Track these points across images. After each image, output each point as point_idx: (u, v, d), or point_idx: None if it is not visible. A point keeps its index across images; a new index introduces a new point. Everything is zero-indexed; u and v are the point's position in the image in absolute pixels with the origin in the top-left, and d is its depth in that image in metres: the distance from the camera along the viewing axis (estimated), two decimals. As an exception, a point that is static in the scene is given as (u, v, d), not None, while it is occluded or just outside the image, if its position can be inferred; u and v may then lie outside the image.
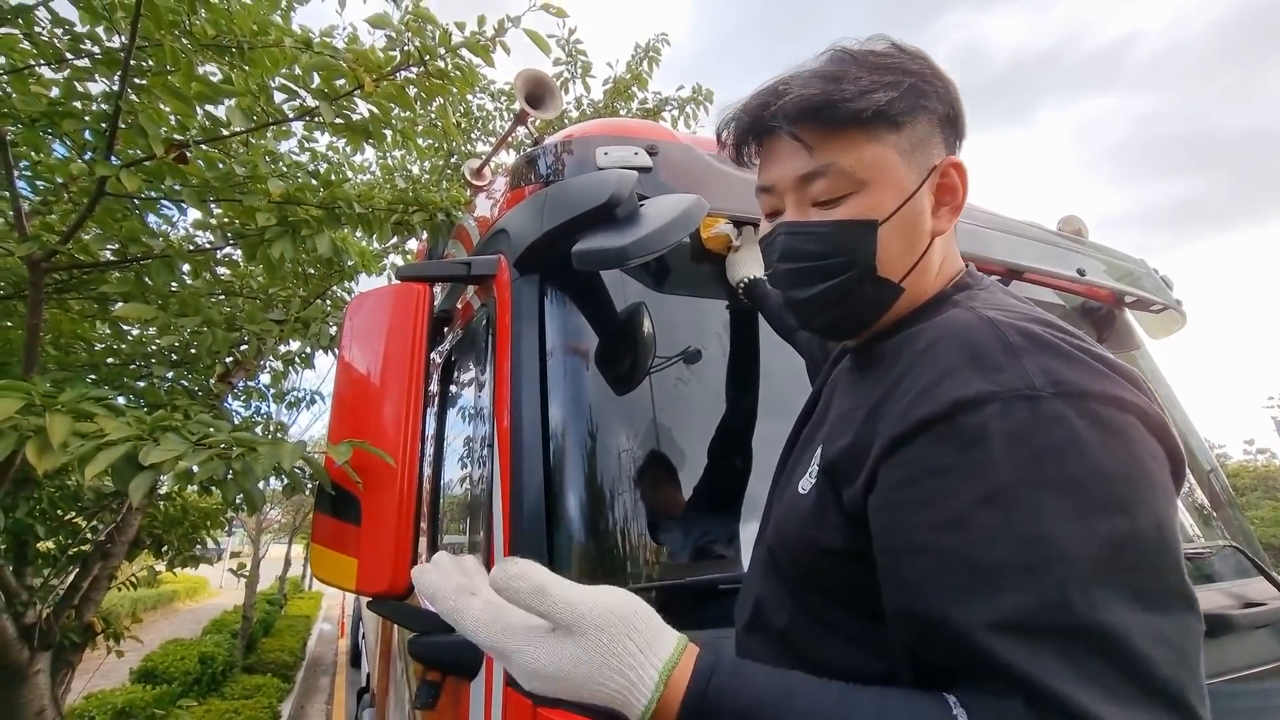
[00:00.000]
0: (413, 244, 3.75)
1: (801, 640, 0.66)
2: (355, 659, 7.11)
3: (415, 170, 4.03)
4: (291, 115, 1.76)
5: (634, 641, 0.50)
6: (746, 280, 1.25)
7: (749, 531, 1.11)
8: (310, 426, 11.48)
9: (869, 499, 0.56)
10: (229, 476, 1.17)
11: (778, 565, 0.70)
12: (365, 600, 1.23)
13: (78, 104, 1.64)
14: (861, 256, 0.64)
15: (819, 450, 0.67)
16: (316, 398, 3.84)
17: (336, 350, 1.58)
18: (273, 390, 3.21)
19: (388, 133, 1.82)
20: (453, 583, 0.57)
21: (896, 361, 0.60)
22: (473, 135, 4.31)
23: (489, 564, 1.08)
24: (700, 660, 0.51)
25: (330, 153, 3.16)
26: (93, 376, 2.26)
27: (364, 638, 5.18)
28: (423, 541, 1.65)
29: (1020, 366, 0.51)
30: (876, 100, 0.61)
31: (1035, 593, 0.44)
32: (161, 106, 1.67)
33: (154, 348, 2.42)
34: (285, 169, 2.12)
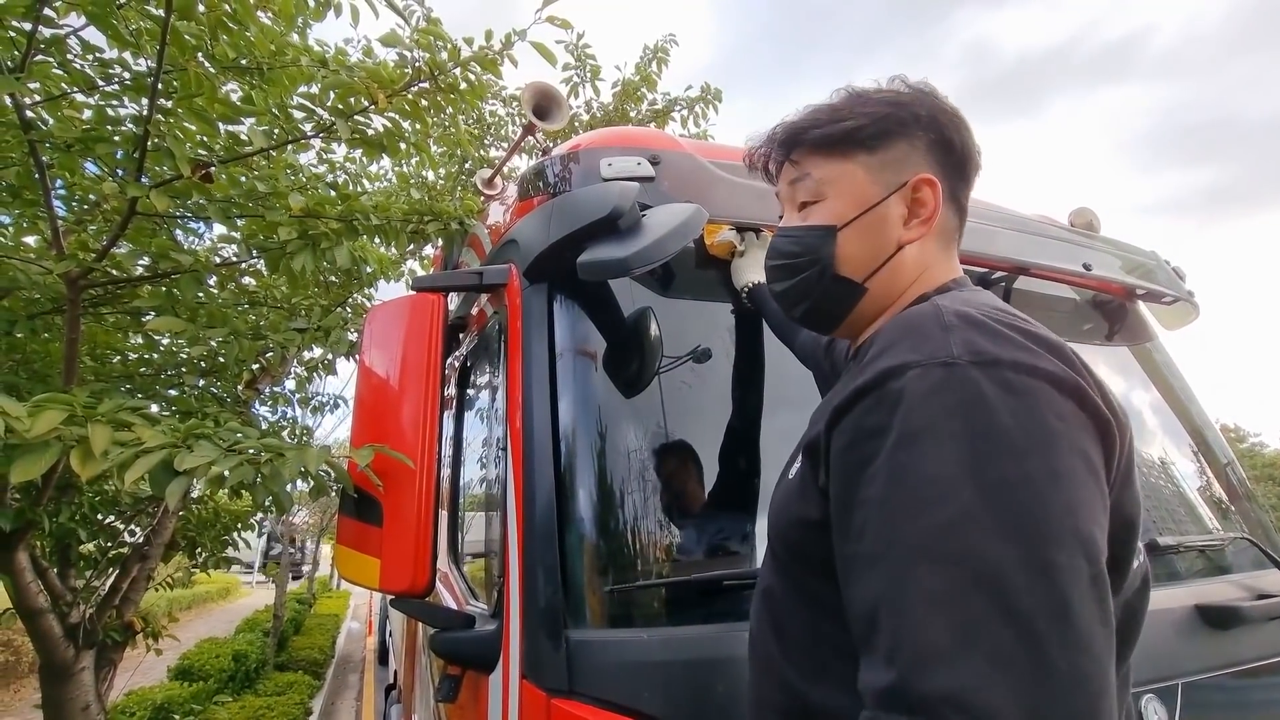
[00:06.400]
0: (430, 250, 3.82)
1: (784, 610, 0.71)
2: (383, 656, 7.25)
3: (430, 177, 4.10)
4: (310, 131, 1.82)
5: None
6: (751, 285, 1.28)
7: (754, 529, 1.15)
8: (335, 429, 11.65)
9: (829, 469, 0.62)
10: (258, 481, 1.23)
11: (774, 552, 0.76)
12: (390, 598, 1.29)
13: (108, 127, 1.71)
14: (822, 256, 0.76)
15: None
16: (340, 402, 3.92)
17: (357, 357, 1.63)
18: (298, 395, 3.30)
19: (402, 144, 1.87)
20: None
21: (865, 354, 0.67)
22: (486, 141, 4.36)
23: (505, 559, 1.12)
24: None
25: (348, 163, 3.23)
26: (127, 386, 2.35)
27: (391, 636, 5.29)
28: (442, 540, 1.70)
29: (945, 340, 0.57)
30: (845, 126, 0.74)
31: (930, 521, 0.51)
32: (188, 126, 1.74)
33: (184, 357, 2.50)
34: (305, 180, 2.18)
